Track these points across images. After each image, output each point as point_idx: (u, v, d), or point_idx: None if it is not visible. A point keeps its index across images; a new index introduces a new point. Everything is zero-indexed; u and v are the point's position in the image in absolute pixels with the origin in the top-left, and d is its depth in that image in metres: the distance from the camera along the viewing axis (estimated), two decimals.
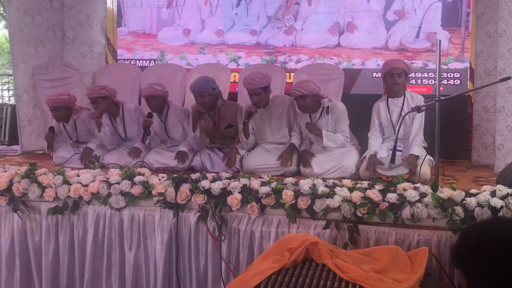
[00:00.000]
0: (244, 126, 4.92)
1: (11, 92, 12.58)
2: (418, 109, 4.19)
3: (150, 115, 5.17)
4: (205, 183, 3.93)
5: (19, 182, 4.26)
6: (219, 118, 5.18)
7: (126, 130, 5.44)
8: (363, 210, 3.56)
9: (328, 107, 4.90)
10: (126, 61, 7.41)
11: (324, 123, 4.87)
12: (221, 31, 7.15)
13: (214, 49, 7.20)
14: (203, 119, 5.08)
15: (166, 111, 5.36)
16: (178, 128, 5.36)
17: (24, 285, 4.37)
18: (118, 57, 7.44)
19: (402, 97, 4.76)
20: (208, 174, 4.11)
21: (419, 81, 6.35)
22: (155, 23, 7.42)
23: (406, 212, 3.50)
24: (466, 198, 3.46)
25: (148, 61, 7.40)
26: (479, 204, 3.41)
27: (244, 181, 3.95)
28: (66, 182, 4.20)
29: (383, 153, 4.61)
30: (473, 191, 3.57)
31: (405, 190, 3.59)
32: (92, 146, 5.28)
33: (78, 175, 4.26)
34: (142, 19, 7.47)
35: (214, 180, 3.98)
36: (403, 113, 4.61)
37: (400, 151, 4.52)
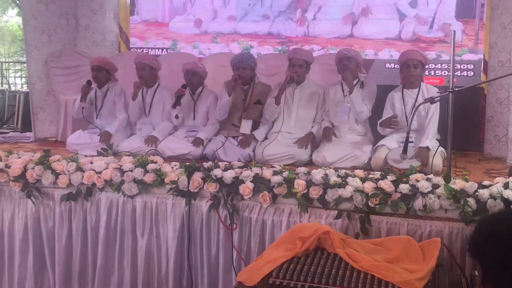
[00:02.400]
0: (280, 89, 5.03)
1: (24, 80, 12.67)
2: (431, 100, 4.16)
3: (184, 86, 5.29)
4: (217, 172, 3.94)
5: (33, 169, 4.29)
6: (251, 93, 5.30)
7: (152, 106, 5.53)
8: (375, 200, 3.56)
9: (363, 81, 5.03)
10: (138, 49, 7.42)
11: (355, 95, 4.86)
12: (233, 17, 7.15)
13: (226, 38, 7.20)
14: (235, 91, 5.20)
15: (200, 91, 5.47)
16: (204, 110, 5.44)
17: (37, 270, 4.41)
18: (131, 46, 7.46)
19: (417, 89, 4.75)
20: (220, 163, 4.13)
21: (432, 72, 6.32)
22: (168, 11, 7.43)
23: (419, 203, 3.49)
24: (478, 190, 3.44)
25: (160, 50, 7.41)
26: (491, 196, 3.40)
27: (256, 170, 3.96)
28: (79, 169, 4.23)
29: (394, 144, 4.61)
30: (485, 183, 3.55)
31: (417, 181, 3.58)
32: (111, 130, 5.37)
33: (91, 162, 4.29)
34: (154, 7, 7.48)
35: (226, 169, 3.99)
36: (416, 104, 4.59)
37: (412, 141, 4.51)
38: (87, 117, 5.62)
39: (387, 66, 6.42)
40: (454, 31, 3.97)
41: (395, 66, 5.05)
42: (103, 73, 5.58)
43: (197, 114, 5.45)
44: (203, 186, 3.96)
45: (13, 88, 12.28)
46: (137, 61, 5.45)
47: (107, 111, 5.64)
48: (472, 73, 6.17)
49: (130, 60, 6.68)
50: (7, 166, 4.34)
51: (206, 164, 4.10)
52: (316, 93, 5.20)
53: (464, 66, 6.19)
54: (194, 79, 5.37)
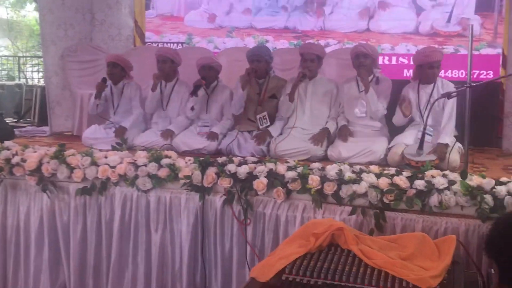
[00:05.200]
0: (293, 86, 4.95)
1: (40, 74, 12.75)
2: (448, 95, 4.10)
3: (204, 79, 5.26)
4: (231, 167, 3.93)
5: (48, 163, 4.30)
6: (266, 87, 5.26)
7: (170, 100, 5.52)
8: (390, 196, 3.52)
9: (378, 77, 4.93)
10: (154, 44, 7.43)
11: (371, 93, 4.79)
12: (248, 11, 7.12)
13: (241, 32, 7.18)
14: (250, 85, 5.15)
15: (215, 86, 5.44)
16: (218, 105, 5.42)
17: (52, 263, 4.43)
18: (146, 40, 7.47)
19: (432, 84, 4.70)
20: (234, 158, 4.12)
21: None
22: (183, 6, 7.42)
23: (434, 199, 3.45)
24: (496, 187, 3.39)
25: (175, 44, 7.41)
26: (509, 193, 3.34)
27: (270, 165, 3.93)
28: (94, 163, 4.24)
29: (411, 140, 4.55)
30: (503, 179, 3.49)
31: (433, 177, 3.53)
32: (126, 125, 5.34)
33: (106, 157, 4.30)
34: (170, 2, 7.48)
35: (240, 164, 3.98)
36: (431, 100, 4.54)
37: (430, 135, 4.45)
38: (102, 113, 5.59)
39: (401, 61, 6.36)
40: (472, 25, 3.90)
41: None
42: (118, 70, 5.54)
43: (210, 108, 5.42)
44: (217, 181, 3.94)
45: (30, 83, 12.37)
46: (159, 54, 5.45)
47: (123, 108, 5.61)
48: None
49: (145, 54, 6.70)
50: (23, 160, 4.36)
51: (220, 159, 4.08)
52: (329, 88, 5.14)
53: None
54: (208, 74, 5.33)
